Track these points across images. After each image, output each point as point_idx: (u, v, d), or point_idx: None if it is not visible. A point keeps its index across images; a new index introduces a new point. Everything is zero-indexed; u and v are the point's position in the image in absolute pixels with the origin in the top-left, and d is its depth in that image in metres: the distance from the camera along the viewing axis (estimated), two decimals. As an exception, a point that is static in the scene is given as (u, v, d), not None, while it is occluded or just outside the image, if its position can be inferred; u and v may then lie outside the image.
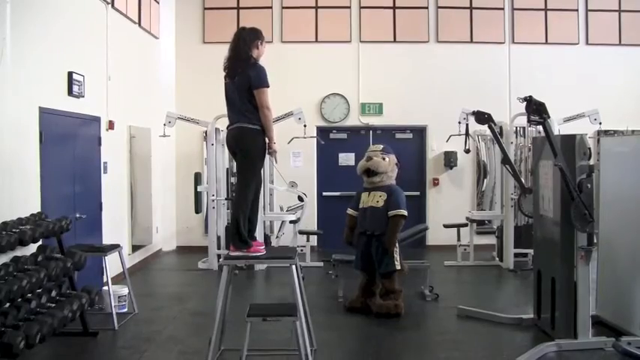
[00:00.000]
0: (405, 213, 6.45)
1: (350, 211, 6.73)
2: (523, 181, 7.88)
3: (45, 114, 6.04)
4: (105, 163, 7.61)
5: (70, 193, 6.72)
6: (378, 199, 6.47)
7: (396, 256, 6.40)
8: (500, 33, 10.79)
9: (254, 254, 4.78)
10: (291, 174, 9.93)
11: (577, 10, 10.85)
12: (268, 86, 4.69)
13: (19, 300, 4.54)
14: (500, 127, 8.70)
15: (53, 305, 4.91)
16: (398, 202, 6.44)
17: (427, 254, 9.91)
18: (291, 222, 9.42)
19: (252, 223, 4.87)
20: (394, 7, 10.74)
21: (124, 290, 6.55)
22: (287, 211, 9.75)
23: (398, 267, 6.42)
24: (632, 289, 5.53)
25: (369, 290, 6.58)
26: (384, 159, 6.54)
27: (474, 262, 9.16)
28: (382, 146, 6.76)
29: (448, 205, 10.46)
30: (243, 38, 4.76)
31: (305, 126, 9.03)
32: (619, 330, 5.60)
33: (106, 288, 6.28)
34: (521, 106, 5.59)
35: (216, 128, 8.96)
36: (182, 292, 7.77)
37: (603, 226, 6.03)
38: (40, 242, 5.32)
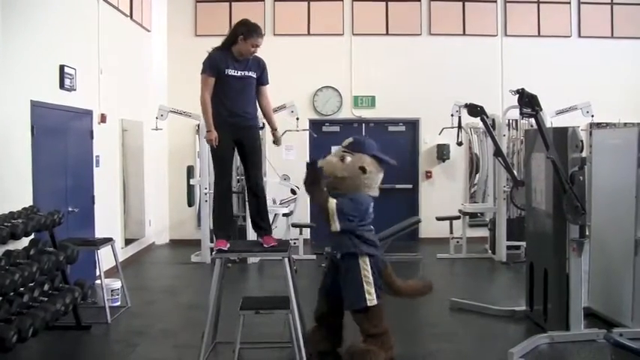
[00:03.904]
0: (329, 205, 4.59)
1: None
2: (515, 173, 7.92)
3: (36, 107, 6.00)
4: (97, 156, 7.58)
5: (62, 187, 6.69)
6: None
7: (368, 287, 4.53)
8: (493, 26, 10.77)
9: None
10: (284, 167, 9.92)
11: (569, 2, 10.85)
12: (205, 74, 4.81)
13: (12, 294, 4.52)
14: (493, 120, 8.71)
15: (46, 299, 4.89)
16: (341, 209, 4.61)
17: (420, 247, 9.96)
18: (284, 215, 9.42)
19: (220, 219, 4.87)
20: (387, 0, 10.72)
21: (117, 284, 6.53)
22: (280, 204, 9.74)
23: (370, 302, 4.54)
24: (623, 281, 5.56)
25: (333, 327, 4.91)
26: (342, 159, 4.70)
27: (466, 255, 9.18)
28: (351, 140, 4.89)
29: (441, 198, 10.46)
30: (231, 29, 4.83)
31: (297, 119, 9.04)
32: (611, 322, 5.65)
33: (98, 281, 6.28)
34: (514, 99, 5.58)
35: (208, 121, 8.92)
36: (175, 285, 7.77)
37: (595, 218, 6.06)
38: (32, 236, 5.30)
